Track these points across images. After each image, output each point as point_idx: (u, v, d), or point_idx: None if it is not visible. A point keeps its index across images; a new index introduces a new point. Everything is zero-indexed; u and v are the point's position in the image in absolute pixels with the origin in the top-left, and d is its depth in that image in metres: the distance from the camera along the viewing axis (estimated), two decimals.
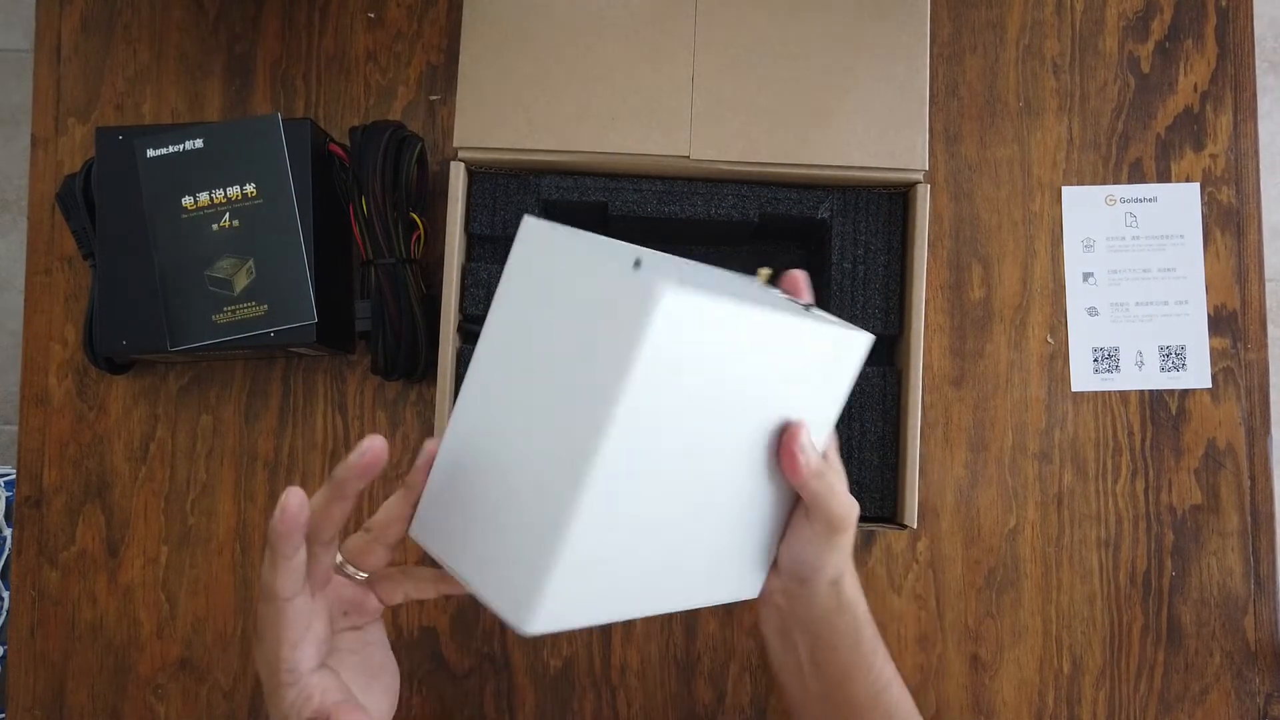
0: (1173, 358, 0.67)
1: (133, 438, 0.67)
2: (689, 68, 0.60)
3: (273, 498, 0.67)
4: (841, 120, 0.59)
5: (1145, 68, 0.69)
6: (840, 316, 0.60)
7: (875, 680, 0.50)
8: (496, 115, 0.59)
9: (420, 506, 0.40)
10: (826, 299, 0.60)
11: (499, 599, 0.36)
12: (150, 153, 0.60)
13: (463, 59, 0.59)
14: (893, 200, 0.60)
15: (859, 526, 0.64)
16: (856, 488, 0.59)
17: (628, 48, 0.60)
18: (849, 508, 0.45)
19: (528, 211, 0.60)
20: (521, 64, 0.59)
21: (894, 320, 0.60)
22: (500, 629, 0.66)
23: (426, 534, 0.39)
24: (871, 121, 0.59)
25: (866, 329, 0.59)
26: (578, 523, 0.35)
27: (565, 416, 0.35)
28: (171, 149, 0.60)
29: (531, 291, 0.38)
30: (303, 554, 0.40)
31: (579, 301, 0.36)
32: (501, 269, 0.61)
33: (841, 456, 0.58)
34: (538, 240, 0.38)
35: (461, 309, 0.60)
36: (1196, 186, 0.68)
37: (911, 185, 0.59)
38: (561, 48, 0.60)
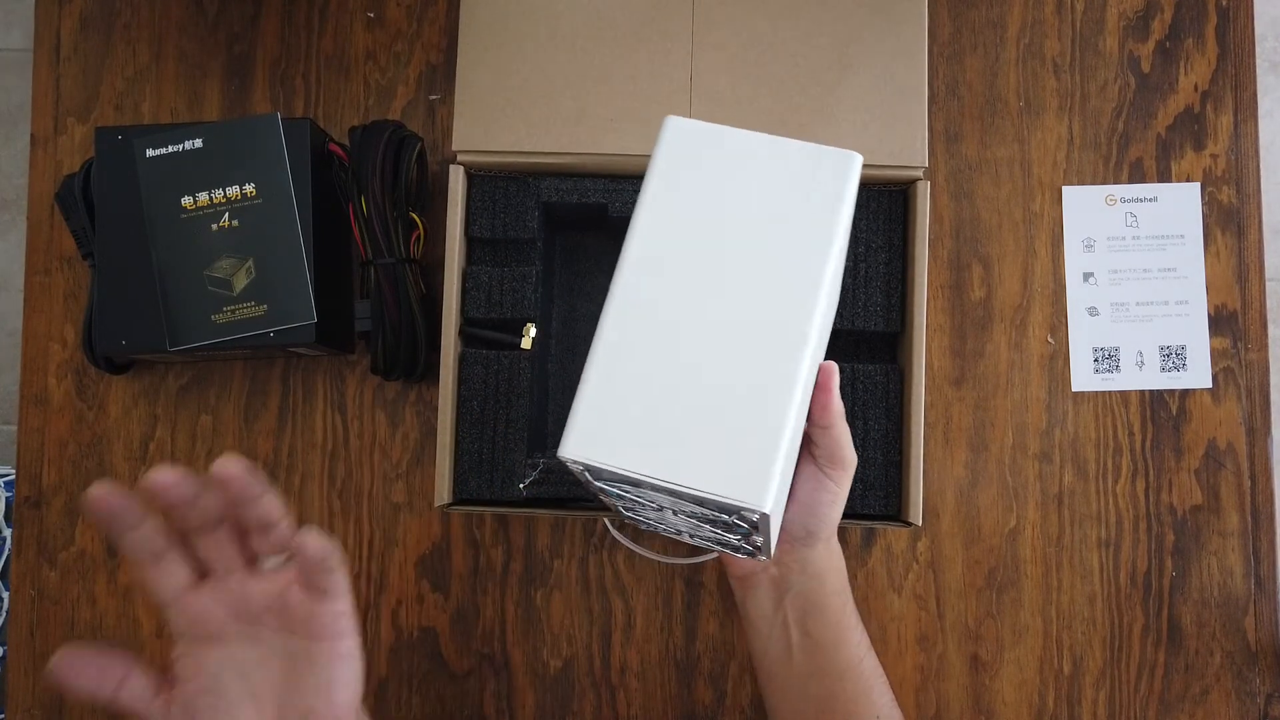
0: (1173, 358, 0.67)
1: (132, 438, 0.67)
2: (687, 68, 0.59)
3: None
4: (841, 118, 0.59)
5: (1146, 67, 0.69)
6: (842, 315, 0.60)
7: (858, 645, 0.52)
8: (495, 118, 0.59)
9: (576, 424, 0.37)
10: None
11: (725, 487, 0.36)
12: (149, 152, 0.60)
13: (460, 62, 0.59)
14: (893, 198, 0.60)
15: (859, 525, 0.64)
16: (862, 486, 0.59)
17: (625, 49, 0.60)
18: (854, 452, 0.48)
19: (527, 214, 0.60)
20: (519, 66, 0.59)
21: (895, 318, 0.60)
22: (500, 629, 0.66)
23: (590, 447, 0.37)
24: (871, 119, 0.59)
25: (868, 328, 0.60)
26: (798, 394, 0.37)
27: (770, 294, 0.37)
28: (171, 149, 0.60)
29: (690, 186, 0.38)
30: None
31: (757, 185, 0.37)
32: (502, 271, 0.61)
33: None
34: (685, 137, 0.39)
35: (462, 312, 0.60)
36: (1197, 186, 0.68)
37: (911, 182, 0.59)
38: (559, 49, 0.60)
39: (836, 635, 0.51)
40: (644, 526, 0.46)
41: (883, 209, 0.60)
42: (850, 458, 0.48)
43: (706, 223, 0.39)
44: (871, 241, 0.60)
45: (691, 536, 0.45)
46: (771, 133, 0.58)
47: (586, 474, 0.38)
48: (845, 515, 0.59)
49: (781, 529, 0.49)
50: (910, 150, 0.58)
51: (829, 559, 0.51)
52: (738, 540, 0.41)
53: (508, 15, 0.60)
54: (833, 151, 0.39)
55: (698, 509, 0.39)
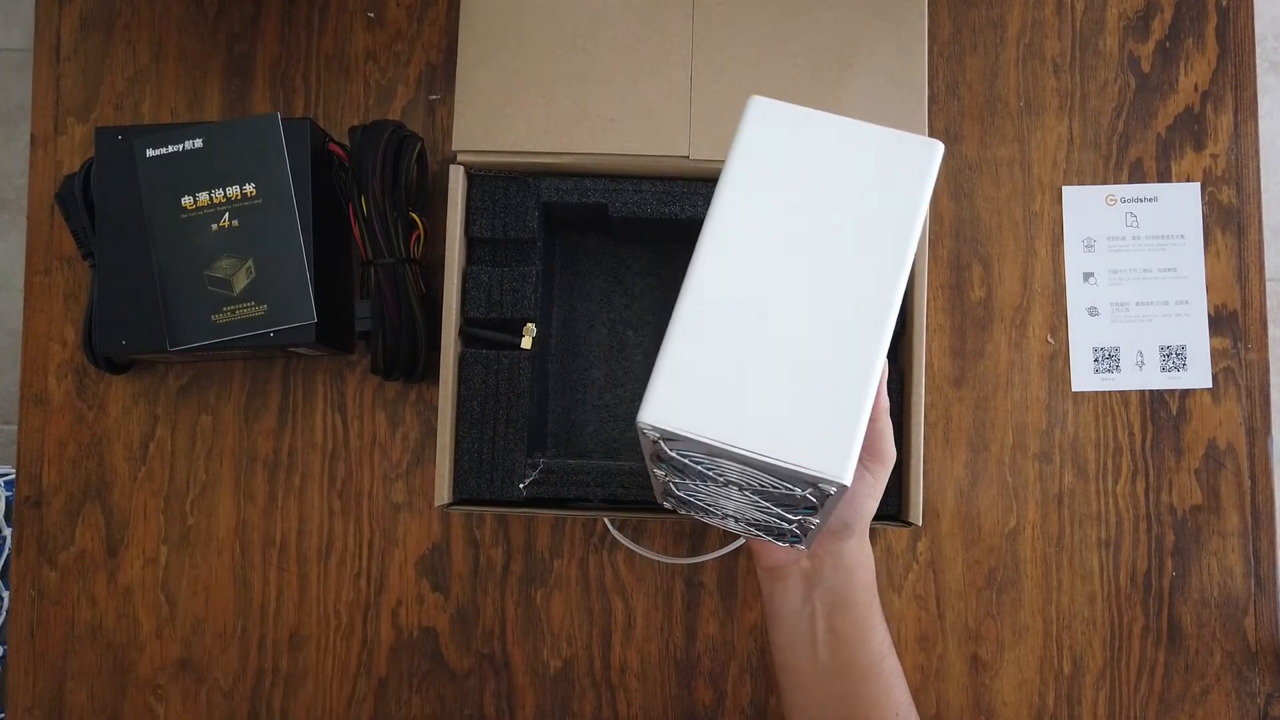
0: (1173, 358, 0.67)
1: (132, 438, 0.67)
2: (687, 68, 0.59)
3: (272, 498, 0.67)
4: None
5: (1146, 67, 0.69)
6: None
7: (881, 643, 0.53)
8: (495, 118, 0.59)
9: (656, 390, 0.37)
10: None
11: (807, 458, 0.36)
12: (149, 152, 0.60)
13: (460, 63, 0.59)
14: None
15: None
16: None
17: (625, 49, 0.60)
18: (894, 447, 0.49)
19: (527, 214, 0.60)
20: (519, 67, 0.59)
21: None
22: (500, 629, 0.66)
23: (671, 414, 0.37)
24: (871, 119, 0.58)
25: None
26: (879, 375, 0.38)
27: (852, 275, 0.38)
28: (171, 149, 0.60)
29: (772, 165, 0.39)
30: None
31: (839, 167, 0.38)
32: (502, 271, 0.61)
33: None
34: (770, 117, 0.40)
35: (462, 312, 0.60)
36: (1197, 186, 0.68)
37: None
38: (559, 50, 0.60)
39: (862, 632, 0.52)
40: (690, 510, 0.46)
41: None
42: (891, 452, 0.49)
43: (788, 203, 0.39)
44: None
45: (738, 521, 0.44)
46: None
47: (661, 443, 0.38)
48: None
49: None
50: None
51: (860, 554, 0.52)
52: (792, 523, 0.41)
53: (508, 15, 0.60)
54: (916, 138, 0.40)
55: (768, 483, 0.38)
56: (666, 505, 0.51)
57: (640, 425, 0.37)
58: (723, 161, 0.58)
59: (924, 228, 0.40)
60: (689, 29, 0.60)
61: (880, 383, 0.44)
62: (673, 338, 0.38)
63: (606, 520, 0.65)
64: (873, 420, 0.46)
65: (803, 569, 0.52)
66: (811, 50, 0.59)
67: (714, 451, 0.37)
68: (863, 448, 0.47)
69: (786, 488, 0.38)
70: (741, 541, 0.66)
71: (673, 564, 0.66)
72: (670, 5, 0.60)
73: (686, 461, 0.39)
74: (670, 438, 0.37)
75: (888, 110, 0.59)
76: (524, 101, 0.59)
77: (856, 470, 0.48)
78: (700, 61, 0.59)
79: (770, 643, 0.55)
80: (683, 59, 0.60)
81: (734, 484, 0.40)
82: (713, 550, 0.66)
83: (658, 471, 0.43)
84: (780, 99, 0.59)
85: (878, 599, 0.53)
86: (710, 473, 0.39)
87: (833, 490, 0.37)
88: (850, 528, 0.50)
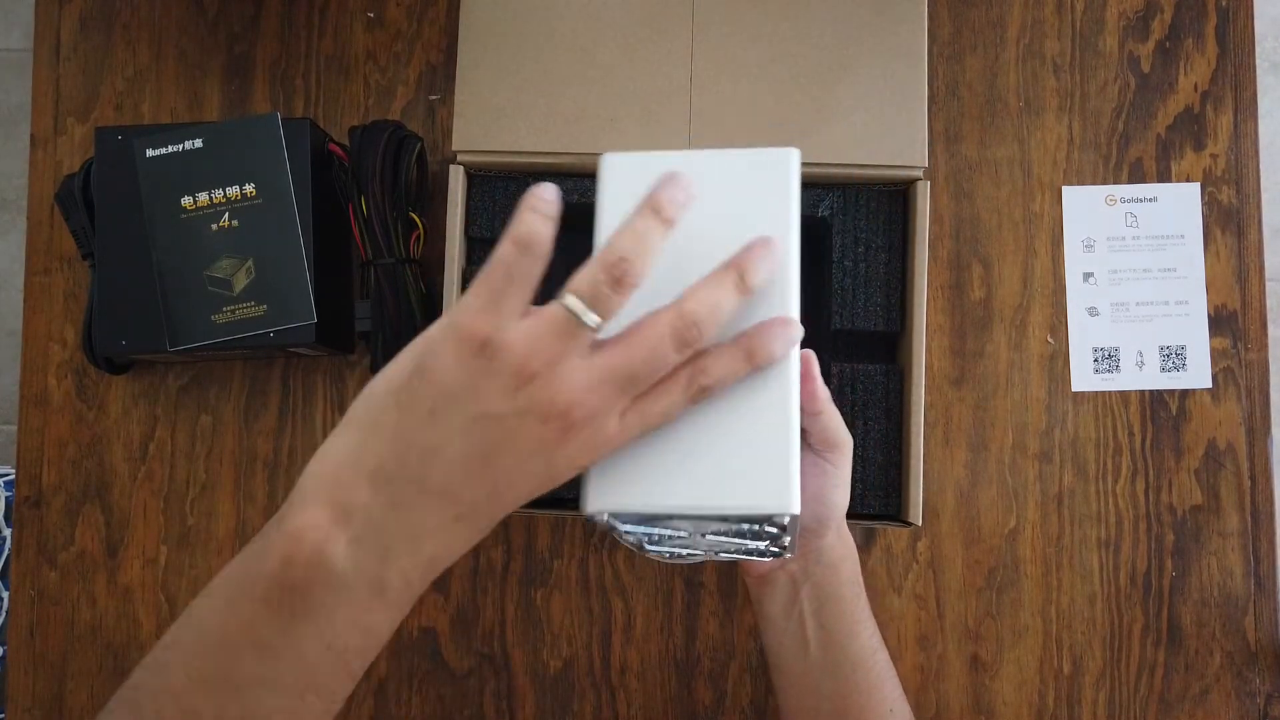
0: (1173, 358, 0.67)
1: (132, 438, 0.67)
2: (687, 67, 0.59)
3: (272, 498, 0.67)
4: (840, 118, 0.59)
5: (1146, 67, 0.69)
6: (842, 315, 0.60)
7: (871, 637, 0.53)
8: (495, 119, 0.59)
9: (592, 485, 0.38)
10: (827, 297, 0.60)
11: (753, 499, 0.37)
12: (149, 152, 0.60)
13: (460, 63, 0.59)
14: (893, 197, 0.60)
15: (860, 524, 0.64)
16: (862, 486, 0.59)
17: (625, 48, 0.60)
18: (848, 431, 0.49)
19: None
20: (519, 67, 0.59)
21: (895, 317, 0.60)
22: (500, 629, 0.66)
23: (611, 497, 0.38)
24: (871, 118, 0.59)
25: (869, 327, 0.60)
26: (794, 391, 0.39)
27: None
28: (171, 149, 0.60)
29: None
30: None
31: (704, 197, 0.38)
32: None
33: None
34: (625, 171, 0.41)
35: None
36: (1197, 186, 0.68)
37: (911, 182, 0.59)
38: (559, 50, 0.60)
39: (850, 626, 0.52)
40: (670, 560, 0.47)
41: (882, 209, 0.60)
42: (845, 438, 0.49)
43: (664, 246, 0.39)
44: (872, 241, 0.60)
45: (717, 554, 0.45)
46: (770, 131, 0.58)
47: (612, 523, 0.39)
48: (845, 515, 0.59)
49: None
50: (910, 150, 0.58)
51: (842, 547, 0.52)
52: (765, 546, 0.41)
53: (508, 15, 0.60)
54: (769, 151, 0.40)
55: (727, 527, 0.39)
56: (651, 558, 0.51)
57: (586, 516, 0.38)
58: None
59: (798, 234, 0.40)
60: (688, 29, 0.60)
61: (811, 378, 0.44)
62: None
63: None
64: (818, 414, 0.46)
65: (789, 571, 0.52)
66: (811, 50, 0.59)
67: (665, 517, 0.38)
68: (816, 441, 0.48)
69: (744, 527, 0.39)
70: None
71: (673, 564, 0.66)
72: (670, 5, 0.60)
73: (643, 531, 0.39)
74: (620, 516, 0.38)
75: (888, 110, 0.59)
76: (524, 101, 0.59)
77: (817, 466, 0.48)
78: (700, 61, 0.59)
79: (764, 646, 0.55)
80: (682, 59, 0.60)
81: (695, 534, 0.40)
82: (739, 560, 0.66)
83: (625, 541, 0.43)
84: (780, 100, 0.59)
85: (864, 593, 0.53)
86: (667, 534, 0.40)
87: (786, 520, 0.37)
88: (825, 522, 0.50)
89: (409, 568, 0.36)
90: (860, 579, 0.53)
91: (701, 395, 0.37)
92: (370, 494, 0.35)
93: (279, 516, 0.36)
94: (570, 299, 0.35)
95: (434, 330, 0.36)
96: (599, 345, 0.36)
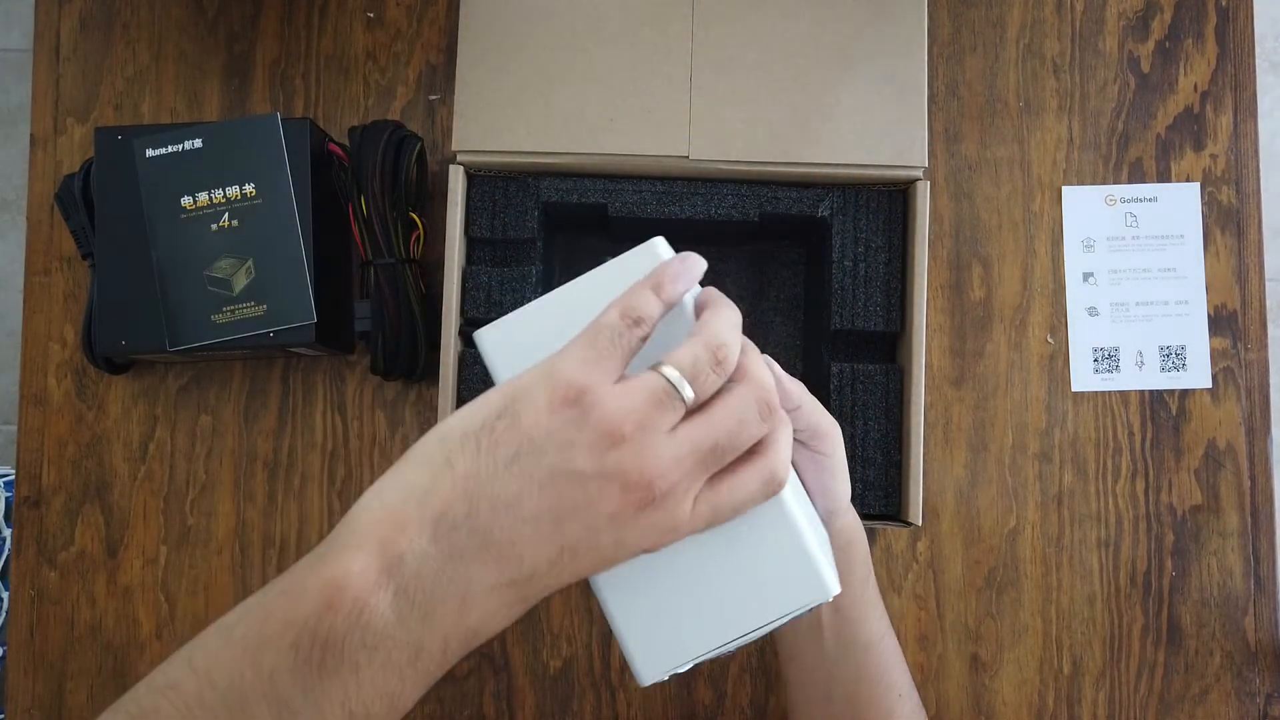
0: (1173, 358, 0.67)
1: (132, 438, 0.67)
2: (686, 67, 0.59)
3: (271, 498, 0.67)
4: (840, 118, 0.59)
5: (1145, 67, 0.69)
6: (841, 314, 0.60)
7: (880, 620, 0.53)
8: (495, 118, 0.59)
9: (638, 658, 0.38)
10: (827, 297, 0.60)
11: (792, 601, 0.38)
12: (149, 152, 0.60)
13: (460, 63, 0.59)
14: (893, 198, 0.60)
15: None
16: (862, 486, 0.59)
17: (625, 48, 0.60)
18: (831, 418, 0.48)
19: (527, 215, 0.60)
20: (519, 67, 0.59)
21: (895, 317, 0.60)
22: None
23: (662, 661, 0.38)
24: (870, 119, 0.59)
25: (868, 327, 0.60)
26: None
27: None
28: (170, 149, 0.60)
29: (534, 362, 0.38)
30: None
31: (587, 318, 0.37)
32: (502, 271, 0.62)
33: (846, 454, 0.58)
34: (504, 336, 0.40)
35: (462, 312, 0.60)
36: (1197, 186, 0.68)
37: (911, 182, 0.59)
38: (558, 50, 0.60)
39: (863, 608, 0.52)
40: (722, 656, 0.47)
41: (882, 209, 0.60)
42: (829, 425, 0.48)
43: None
44: (871, 241, 0.60)
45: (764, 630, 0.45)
46: (770, 131, 0.58)
47: (673, 675, 0.39)
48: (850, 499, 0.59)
49: None
50: (910, 150, 0.58)
51: (852, 530, 0.52)
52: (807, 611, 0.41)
53: (508, 15, 0.60)
54: (634, 251, 0.40)
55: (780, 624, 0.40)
56: None
57: (647, 685, 0.38)
58: (723, 162, 0.59)
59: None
60: (688, 28, 0.60)
61: (778, 378, 0.44)
62: (607, 602, 0.38)
63: None
64: (797, 408, 0.46)
65: (864, 550, 0.52)
66: (811, 50, 0.59)
67: (719, 652, 0.38)
68: (804, 435, 0.47)
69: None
70: None
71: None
72: (670, 5, 0.60)
73: (700, 660, 0.39)
74: (678, 672, 0.39)
75: (888, 110, 0.59)
76: (524, 101, 0.59)
77: (811, 459, 0.48)
78: (700, 61, 0.59)
79: (776, 635, 0.55)
80: (682, 58, 0.59)
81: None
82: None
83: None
84: (780, 100, 0.59)
85: (874, 577, 0.53)
86: (724, 650, 0.40)
87: (829, 599, 0.38)
88: (833, 512, 0.50)
89: (450, 634, 0.32)
90: (869, 562, 0.53)
91: (775, 488, 0.36)
92: (429, 541, 0.32)
93: (318, 555, 0.32)
94: (670, 370, 0.34)
95: (526, 377, 0.34)
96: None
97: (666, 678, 0.38)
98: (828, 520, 0.50)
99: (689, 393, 0.34)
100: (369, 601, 0.31)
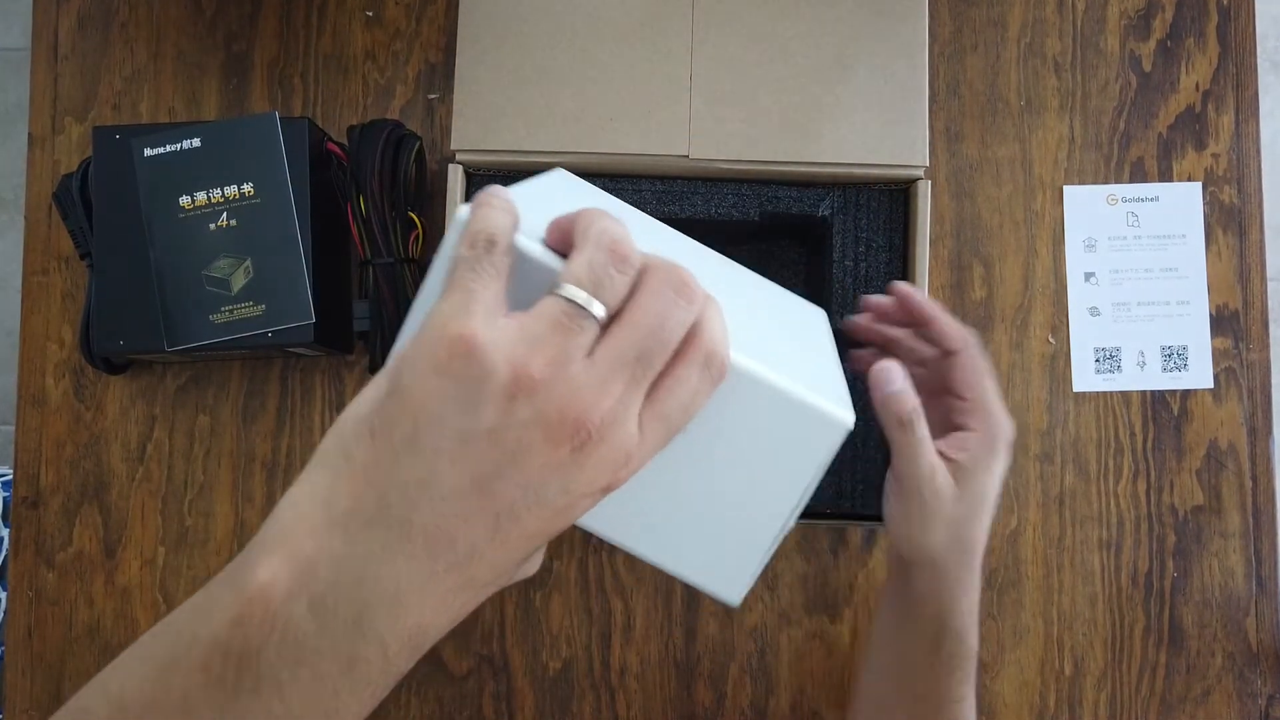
0: (1174, 358, 0.67)
1: (130, 438, 0.67)
2: (687, 66, 0.59)
3: (270, 499, 0.67)
4: (841, 117, 0.59)
5: (1147, 66, 0.68)
6: (842, 314, 0.60)
7: (961, 685, 0.51)
8: (494, 117, 0.59)
9: (718, 582, 0.39)
10: (828, 297, 0.60)
11: (711, 582, 0.38)
12: (147, 152, 0.60)
13: (459, 61, 0.59)
14: (894, 197, 0.60)
15: (860, 525, 0.64)
16: (862, 486, 0.59)
17: (625, 48, 0.59)
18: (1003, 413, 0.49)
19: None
20: (518, 66, 0.59)
21: None
22: (499, 631, 0.66)
23: (741, 577, 0.39)
24: (871, 118, 0.59)
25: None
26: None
27: None
28: (169, 148, 0.60)
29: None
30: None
31: None
32: None
33: (847, 455, 0.58)
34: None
35: None
36: (1198, 186, 0.68)
37: (912, 182, 0.59)
38: (558, 49, 0.59)
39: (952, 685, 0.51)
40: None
41: (883, 208, 0.60)
42: (999, 422, 0.48)
43: None
44: (872, 241, 0.60)
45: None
46: (771, 130, 0.58)
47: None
48: (844, 516, 0.59)
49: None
50: (911, 150, 0.58)
51: (933, 594, 0.50)
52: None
53: (507, 14, 0.60)
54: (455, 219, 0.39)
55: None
56: None
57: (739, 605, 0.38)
58: (723, 161, 0.58)
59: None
60: (688, 27, 0.59)
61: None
62: (648, 556, 0.38)
63: None
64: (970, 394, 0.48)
65: (937, 610, 0.49)
66: (812, 49, 0.59)
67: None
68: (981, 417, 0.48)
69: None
70: None
71: None
72: (671, 4, 0.60)
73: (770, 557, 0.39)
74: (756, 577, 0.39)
75: (888, 110, 0.58)
76: (523, 101, 0.59)
77: (908, 499, 0.47)
78: (700, 60, 0.59)
79: (875, 626, 0.55)
80: (682, 58, 0.59)
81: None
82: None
83: None
84: (780, 99, 0.59)
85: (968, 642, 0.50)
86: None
87: (850, 428, 0.36)
88: (916, 564, 0.48)
89: (388, 636, 0.29)
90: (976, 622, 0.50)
91: (720, 371, 0.32)
92: (343, 542, 0.29)
93: (231, 568, 0.30)
94: (569, 288, 0.30)
95: (407, 345, 0.30)
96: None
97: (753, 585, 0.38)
98: (964, 564, 0.48)
99: (598, 307, 0.30)
100: (282, 613, 0.28)
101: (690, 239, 0.49)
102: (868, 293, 0.60)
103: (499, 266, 0.31)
